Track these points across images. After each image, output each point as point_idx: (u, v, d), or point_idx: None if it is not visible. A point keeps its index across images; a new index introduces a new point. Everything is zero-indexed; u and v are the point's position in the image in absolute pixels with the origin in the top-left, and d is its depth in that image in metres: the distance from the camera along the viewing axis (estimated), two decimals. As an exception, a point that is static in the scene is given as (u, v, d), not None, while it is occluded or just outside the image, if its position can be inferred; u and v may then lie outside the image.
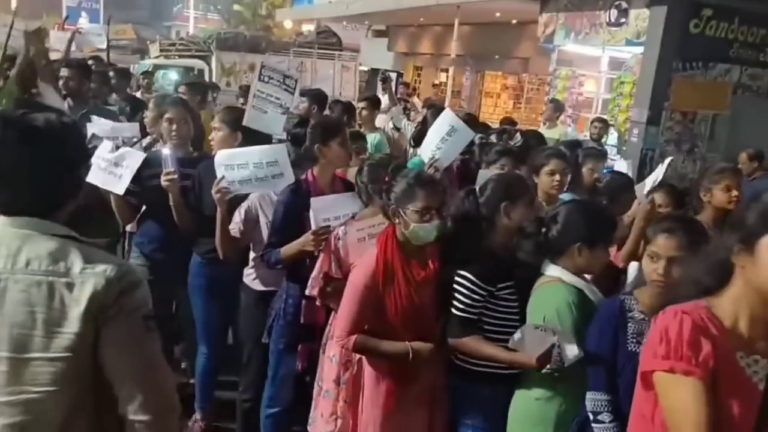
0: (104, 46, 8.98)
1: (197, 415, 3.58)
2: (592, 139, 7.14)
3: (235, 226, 3.07)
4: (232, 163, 3.00)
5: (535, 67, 14.20)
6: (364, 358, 2.54)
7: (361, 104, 5.54)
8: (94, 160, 3.33)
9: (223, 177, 2.97)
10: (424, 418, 2.56)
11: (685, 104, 8.19)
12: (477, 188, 2.65)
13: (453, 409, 2.57)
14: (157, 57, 13.54)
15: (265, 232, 3.06)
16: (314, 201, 2.80)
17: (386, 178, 2.51)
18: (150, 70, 10.13)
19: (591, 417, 2.14)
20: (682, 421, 1.40)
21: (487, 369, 2.44)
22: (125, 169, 3.23)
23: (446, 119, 3.68)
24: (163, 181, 3.14)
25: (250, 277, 3.22)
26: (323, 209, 2.80)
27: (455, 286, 2.45)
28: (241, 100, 5.77)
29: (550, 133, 6.98)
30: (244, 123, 3.43)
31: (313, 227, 2.75)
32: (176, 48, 13.73)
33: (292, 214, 2.87)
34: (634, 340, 2.13)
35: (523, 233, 2.49)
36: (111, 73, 6.28)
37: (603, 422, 2.11)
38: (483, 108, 17.47)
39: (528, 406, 2.38)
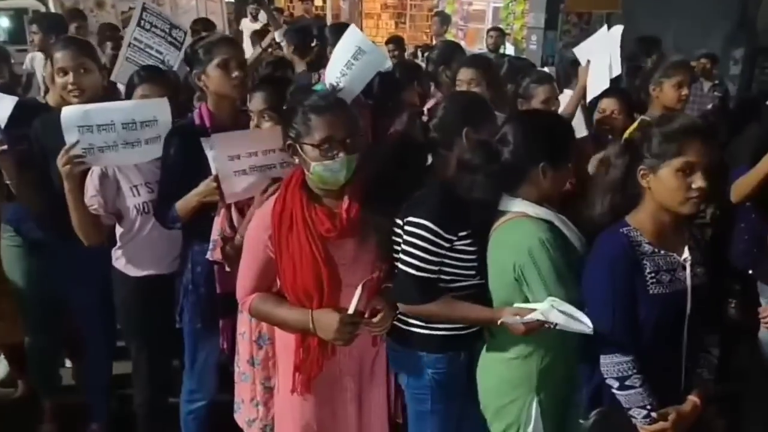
0: None
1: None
2: (489, 50, 6.79)
3: (93, 201, 2.37)
4: (89, 124, 2.22)
5: (416, -19, 13.62)
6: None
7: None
8: None
9: (77, 142, 2.21)
10: (354, 406, 2.09)
11: (578, 5, 8.04)
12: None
13: (399, 382, 2.14)
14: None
15: (129, 200, 2.40)
16: (215, 137, 2.18)
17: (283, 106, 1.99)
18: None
19: (616, 384, 1.76)
20: None
21: (446, 332, 1.97)
22: None
23: (352, 39, 2.83)
24: None
25: (120, 261, 2.52)
26: (228, 146, 2.17)
27: (406, 237, 1.92)
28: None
29: (440, 49, 6.49)
30: (113, 78, 2.76)
31: (214, 171, 2.16)
32: (4, -14, 11.86)
33: (184, 159, 2.25)
34: (654, 280, 1.75)
35: (468, 166, 1.92)
36: None
37: (634, 387, 1.74)
38: (365, 31, 16.80)
39: (503, 368, 1.95)
